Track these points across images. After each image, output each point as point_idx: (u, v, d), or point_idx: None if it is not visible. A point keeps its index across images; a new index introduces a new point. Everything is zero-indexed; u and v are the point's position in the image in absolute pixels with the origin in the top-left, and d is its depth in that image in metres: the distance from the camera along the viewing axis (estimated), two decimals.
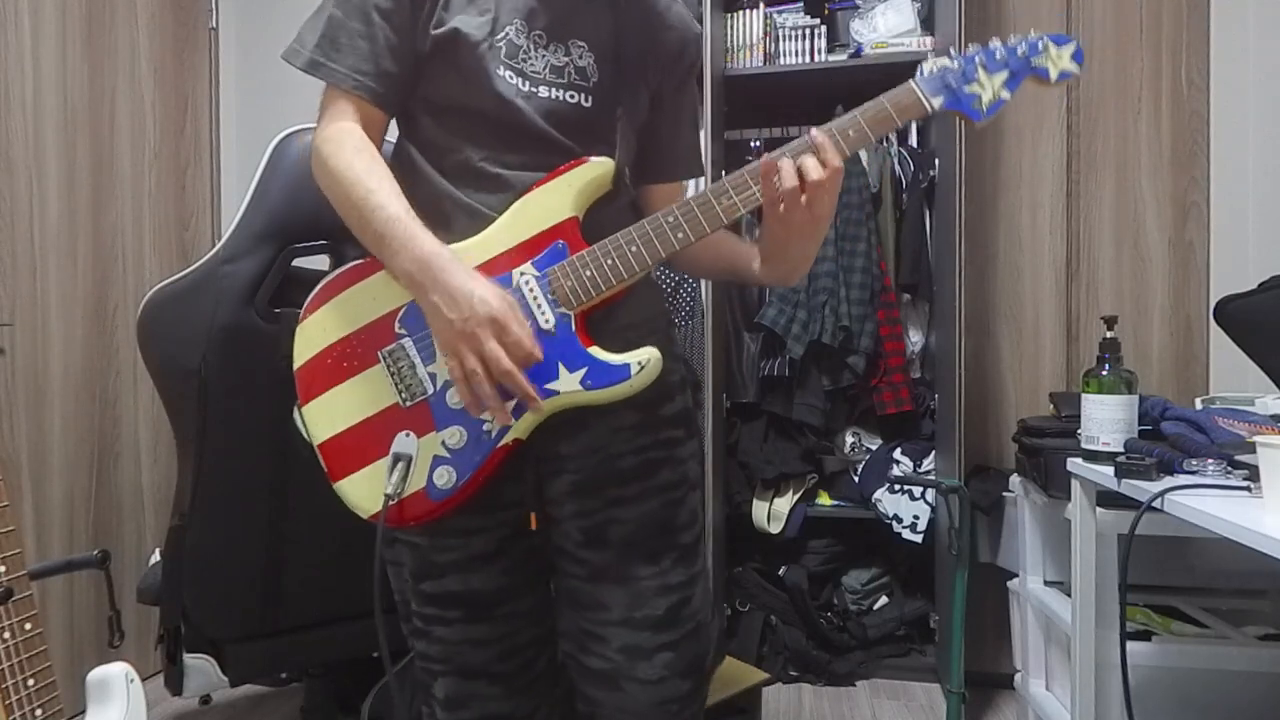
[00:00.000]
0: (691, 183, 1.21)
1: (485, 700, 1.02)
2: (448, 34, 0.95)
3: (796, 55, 2.40)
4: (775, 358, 2.40)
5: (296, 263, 1.58)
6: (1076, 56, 0.96)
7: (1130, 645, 1.30)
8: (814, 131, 0.94)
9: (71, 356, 2.13)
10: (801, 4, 2.44)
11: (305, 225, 1.57)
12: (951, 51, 0.98)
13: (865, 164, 2.38)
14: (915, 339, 2.46)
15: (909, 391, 2.39)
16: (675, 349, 1.07)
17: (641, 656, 0.97)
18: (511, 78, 0.96)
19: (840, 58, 2.38)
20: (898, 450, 2.39)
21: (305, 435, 0.99)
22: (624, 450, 0.99)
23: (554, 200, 0.95)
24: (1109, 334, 1.49)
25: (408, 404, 0.95)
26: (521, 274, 0.93)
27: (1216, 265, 2.20)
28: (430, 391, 0.94)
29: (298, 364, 1.00)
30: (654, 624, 0.97)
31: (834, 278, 2.32)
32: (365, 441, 0.96)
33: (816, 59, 2.38)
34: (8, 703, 0.99)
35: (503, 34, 0.96)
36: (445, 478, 0.93)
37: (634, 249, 0.94)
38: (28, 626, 1.02)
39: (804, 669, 2.35)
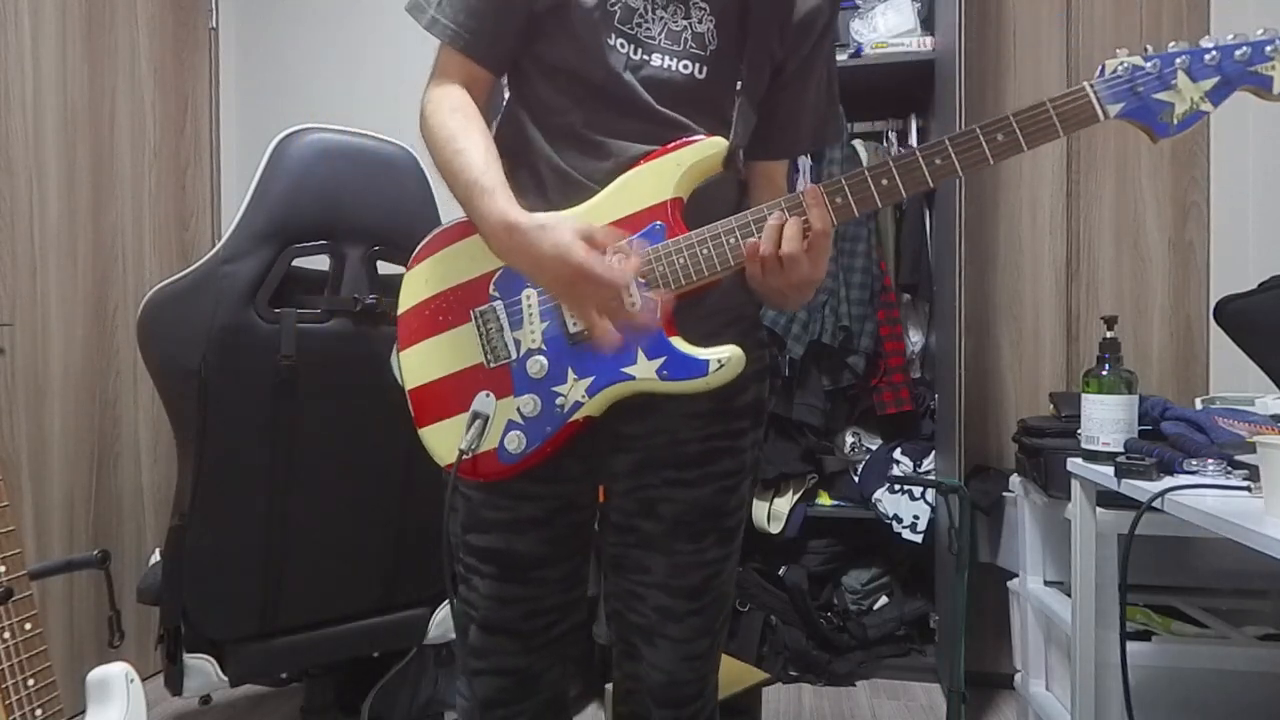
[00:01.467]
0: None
1: (504, 655, 1.06)
2: None
3: None
4: (775, 358, 2.40)
5: (296, 263, 1.58)
6: None
7: (1130, 645, 1.30)
8: (808, 188, 0.88)
9: (71, 356, 2.13)
10: None
11: (305, 225, 1.57)
12: (1148, 49, 0.81)
13: (865, 163, 2.38)
14: (915, 339, 2.46)
15: (909, 391, 2.39)
16: (759, 336, 1.06)
17: (673, 618, 1.03)
18: (623, 46, 0.94)
19: (840, 58, 2.37)
20: (898, 450, 2.39)
21: (399, 380, 1.02)
22: (691, 437, 1.00)
23: (659, 178, 0.92)
24: (1109, 334, 1.49)
25: (491, 365, 0.97)
26: (615, 252, 0.92)
27: (1216, 265, 2.20)
28: (513, 357, 0.96)
29: (400, 310, 1.03)
30: (688, 592, 1.03)
31: (834, 278, 2.32)
32: (450, 394, 0.99)
33: None
34: (8, 703, 0.99)
35: None
36: (516, 443, 0.96)
37: (732, 240, 0.90)
38: (28, 626, 1.02)
39: (804, 669, 2.35)
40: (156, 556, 1.65)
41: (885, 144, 2.45)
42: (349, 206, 1.61)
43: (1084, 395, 1.49)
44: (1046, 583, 1.86)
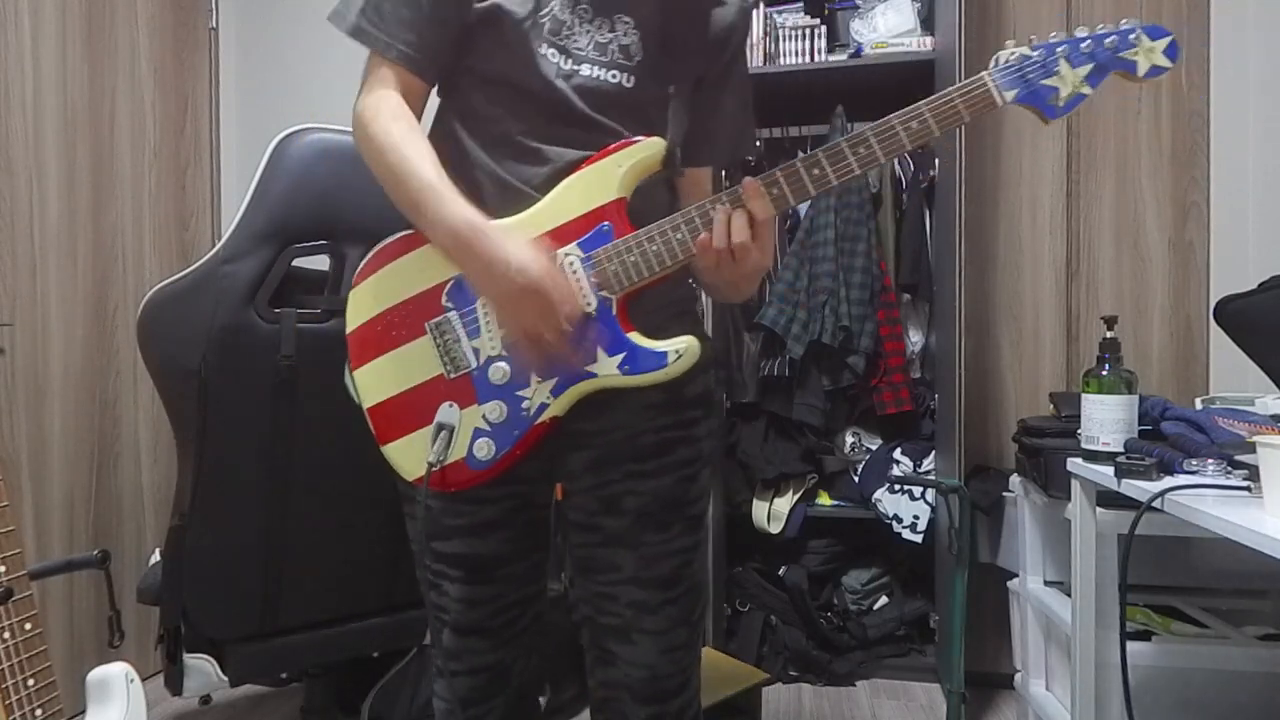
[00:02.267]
0: None
1: (476, 654, 1.08)
2: (489, 9, 0.95)
3: (796, 55, 2.40)
4: (775, 358, 2.40)
5: (296, 263, 1.58)
6: (1170, 51, 0.88)
7: (1130, 645, 1.30)
8: (746, 180, 0.92)
9: (71, 356, 2.13)
10: (801, 4, 2.44)
11: (305, 225, 1.57)
12: (1032, 39, 0.92)
13: None
14: (915, 339, 2.46)
15: (909, 391, 2.39)
16: (703, 330, 1.08)
17: (648, 611, 1.02)
18: (554, 56, 0.97)
19: (840, 58, 2.38)
20: (898, 450, 2.39)
21: (355, 398, 1.02)
22: (645, 429, 1.01)
23: (602, 180, 0.95)
24: (1109, 334, 1.49)
25: (452, 376, 0.98)
26: (566, 255, 0.94)
27: (1216, 265, 2.20)
28: (473, 365, 0.97)
29: (350, 329, 1.02)
30: (659, 583, 1.02)
31: (834, 278, 2.32)
32: (411, 409, 0.99)
33: (816, 59, 2.38)
34: (8, 703, 0.99)
35: (547, 10, 0.96)
36: (485, 450, 0.97)
37: (679, 235, 0.94)
38: (28, 626, 1.02)
39: (804, 669, 2.35)
40: (156, 556, 1.65)
41: None
42: (349, 206, 1.60)
43: (1084, 395, 1.49)
44: (1046, 583, 1.86)
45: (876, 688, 2.31)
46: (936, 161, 2.34)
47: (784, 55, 2.40)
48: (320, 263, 1.63)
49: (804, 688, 2.31)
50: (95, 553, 1.42)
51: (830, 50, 2.41)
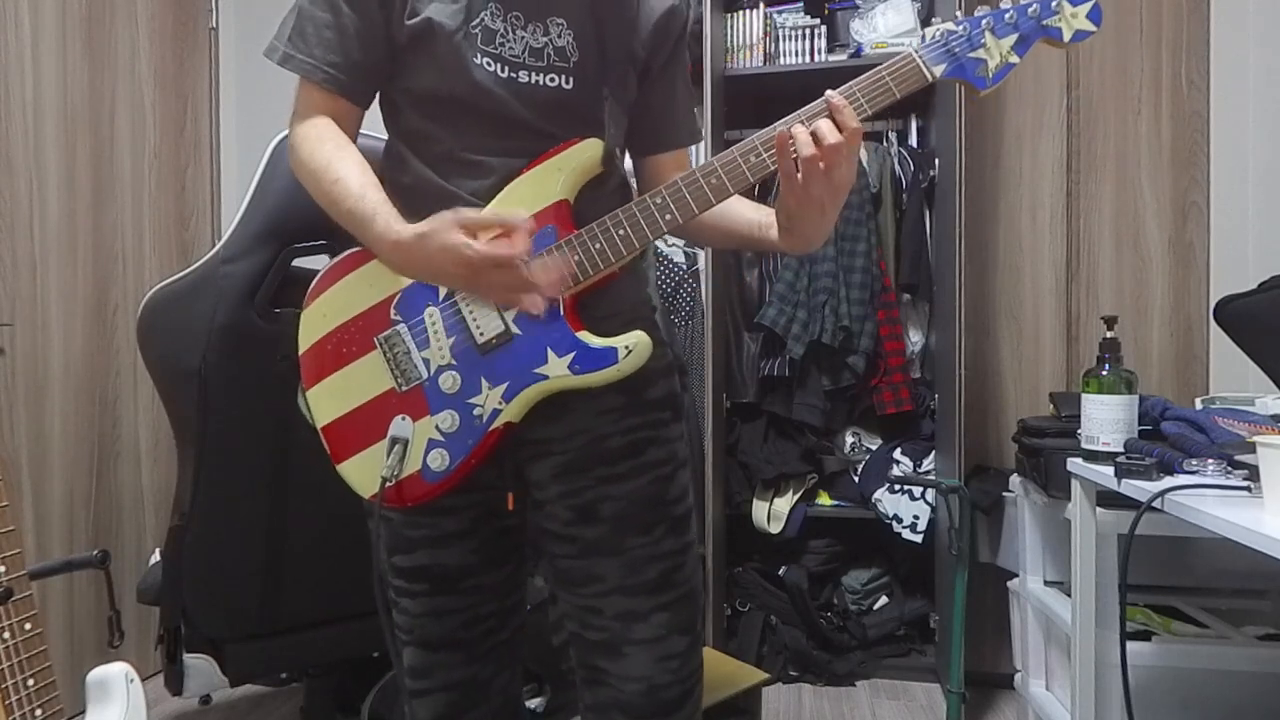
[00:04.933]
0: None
1: (448, 669, 1.05)
2: (421, 24, 0.94)
3: (796, 55, 2.40)
4: (775, 358, 2.40)
5: (296, 263, 1.58)
6: (1093, 15, 0.90)
7: (1130, 645, 1.30)
8: (830, 93, 0.90)
9: (71, 356, 2.13)
10: (801, 4, 2.44)
11: (305, 225, 1.57)
12: (958, 14, 0.93)
13: (865, 164, 2.38)
14: (915, 339, 2.46)
15: (909, 391, 2.39)
16: (659, 334, 1.06)
17: (638, 619, 0.99)
18: (489, 65, 0.96)
19: (840, 58, 2.38)
20: (898, 450, 2.39)
21: (309, 419, 1.01)
22: (611, 431, 0.99)
23: (543, 184, 0.95)
24: (1109, 334, 1.49)
25: (403, 389, 0.97)
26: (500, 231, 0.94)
27: (1216, 265, 2.20)
28: (425, 377, 0.96)
29: (302, 349, 1.02)
30: (648, 588, 0.99)
31: (834, 278, 2.32)
32: (365, 425, 0.98)
33: (816, 59, 2.38)
34: (7, 703, 0.99)
35: (478, 20, 0.95)
36: (439, 461, 0.95)
37: (621, 232, 0.93)
38: (28, 626, 1.02)
39: (804, 669, 2.35)
40: (156, 556, 1.65)
41: (885, 144, 2.45)
42: None
43: (1084, 395, 1.49)
44: (1046, 583, 1.86)
45: (876, 688, 2.30)
46: (937, 161, 2.34)
47: (784, 55, 2.40)
48: (320, 263, 1.62)
49: (804, 688, 2.31)
50: (95, 553, 1.42)
51: (830, 50, 2.41)
